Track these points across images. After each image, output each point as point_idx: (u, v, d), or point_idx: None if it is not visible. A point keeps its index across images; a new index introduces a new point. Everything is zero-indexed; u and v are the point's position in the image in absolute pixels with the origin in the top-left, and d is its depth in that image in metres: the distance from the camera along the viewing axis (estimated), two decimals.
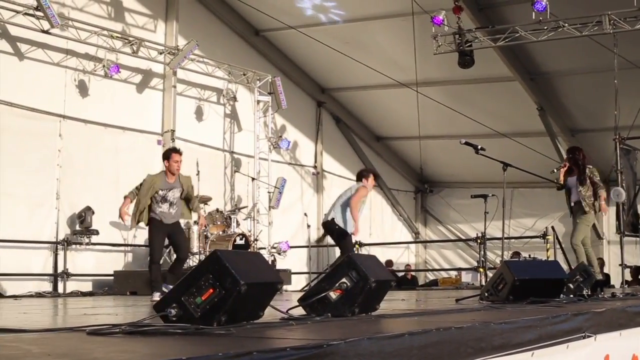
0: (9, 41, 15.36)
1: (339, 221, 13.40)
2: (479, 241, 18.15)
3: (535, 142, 20.67)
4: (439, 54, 17.43)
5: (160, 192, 11.66)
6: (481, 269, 17.89)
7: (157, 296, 11.19)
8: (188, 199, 12.04)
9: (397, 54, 19.81)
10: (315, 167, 22.58)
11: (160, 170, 12.17)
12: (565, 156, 13.06)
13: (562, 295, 8.46)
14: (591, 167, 12.63)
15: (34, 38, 15.54)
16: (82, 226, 15.94)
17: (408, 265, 24.12)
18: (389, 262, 22.47)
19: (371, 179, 13.90)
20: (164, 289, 11.46)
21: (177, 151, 11.97)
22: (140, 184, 11.80)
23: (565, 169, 12.59)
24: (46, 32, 15.16)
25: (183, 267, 12.33)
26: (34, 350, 3.57)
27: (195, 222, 12.79)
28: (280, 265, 18.01)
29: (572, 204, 12.54)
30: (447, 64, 18.07)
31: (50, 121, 15.85)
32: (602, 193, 12.49)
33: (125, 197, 11.88)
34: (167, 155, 11.87)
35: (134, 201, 11.79)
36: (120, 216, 11.92)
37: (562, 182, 12.64)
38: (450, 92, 20.84)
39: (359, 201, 13.46)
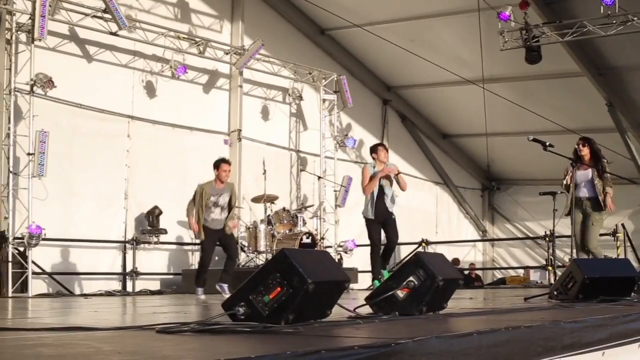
0: (78, 44, 15.59)
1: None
2: (547, 239, 17.95)
3: (604, 138, 20.22)
4: (506, 50, 17.25)
5: (212, 199, 12.53)
6: (550, 268, 17.68)
7: (200, 292, 12.42)
8: (230, 207, 12.82)
9: (463, 51, 19.67)
10: None
11: (209, 180, 12.79)
12: (584, 146, 11.98)
13: (633, 294, 8.32)
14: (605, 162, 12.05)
15: (102, 40, 15.75)
16: (150, 225, 16.11)
17: (472, 264, 23.91)
18: (456, 261, 22.32)
19: (381, 152, 13.32)
20: (217, 287, 12.20)
21: (226, 161, 12.87)
22: (193, 197, 12.65)
23: (570, 175, 11.81)
24: (114, 34, 15.35)
25: (234, 266, 13.17)
26: (104, 348, 3.62)
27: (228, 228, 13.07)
28: (347, 263, 17.99)
29: (581, 199, 11.79)
30: (514, 60, 17.87)
31: (118, 122, 16.05)
32: (611, 190, 11.76)
33: (189, 215, 12.67)
34: (217, 165, 12.70)
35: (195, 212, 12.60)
36: (194, 230, 12.74)
37: (567, 185, 11.88)
38: (517, 88, 20.62)
39: (365, 183, 13.07)
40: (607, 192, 11.68)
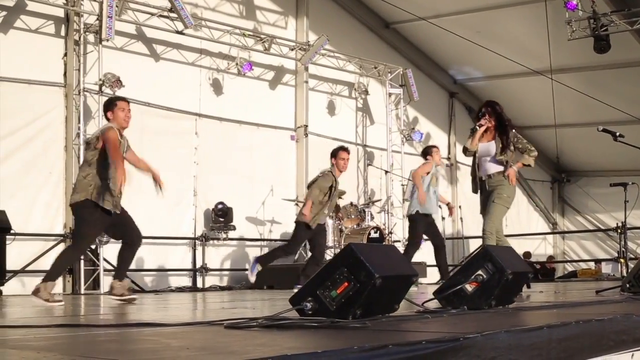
0: (145, 43, 15.76)
1: (409, 210, 13.55)
2: (619, 231, 17.68)
3: None
4: (574, 40, 17.03)
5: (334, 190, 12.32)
6: (622, 260, 17.42)
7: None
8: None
9: (530, 41, 19.45)
10: (448, 158, 22.38)
11: (325, 172, 12.61)
12: (491, 116, 9.83)
13: None
14: (515, 131, 9.85)
15: (168, 39, 15.90)
16: (219, 222, 16.20)
17: (551, 256, 23.72)
18: (527, 254, 22.13)
19: (436, 154, 13.74)
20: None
21: (345, 149, 12.51)
22: (315, 183, 12.42)
23: (484, 128, 9.66)
24: (180, 32, 15.50)
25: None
26: (173, 343, 3.65)
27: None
28: (415, 258, 17.87)
29: (482, 179, 9.82)
30: (582, 50, 17.65)
31: (186, 120, 16.20)
32: (528, 160, 9.65)
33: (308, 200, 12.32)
34: (334, 154, 12.43)
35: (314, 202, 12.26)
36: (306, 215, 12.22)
37: (475, 147, 9.73)
38: (586, 78, 20.35)
39: (420, 174, 13.31)
40: (519, 161, 9.68)
